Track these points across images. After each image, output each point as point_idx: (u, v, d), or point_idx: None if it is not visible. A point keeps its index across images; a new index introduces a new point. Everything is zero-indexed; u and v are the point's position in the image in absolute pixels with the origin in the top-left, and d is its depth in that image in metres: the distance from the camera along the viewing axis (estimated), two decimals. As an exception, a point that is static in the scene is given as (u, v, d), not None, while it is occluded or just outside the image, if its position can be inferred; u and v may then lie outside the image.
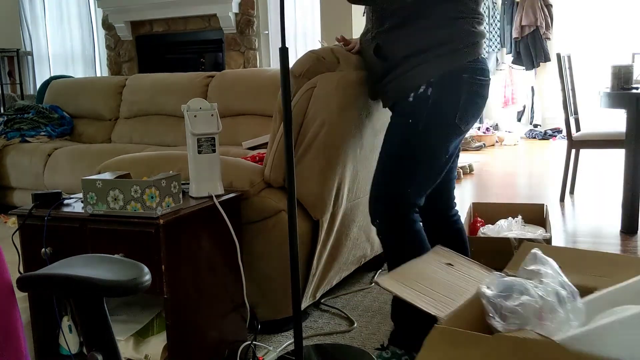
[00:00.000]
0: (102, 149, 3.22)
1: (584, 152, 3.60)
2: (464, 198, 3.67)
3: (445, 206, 1.72)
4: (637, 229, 2.71)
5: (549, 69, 6.63)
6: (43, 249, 1.43)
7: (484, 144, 6.12)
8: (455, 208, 1.77)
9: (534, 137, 6.66)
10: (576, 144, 3.46)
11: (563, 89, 3.45)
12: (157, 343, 1.50)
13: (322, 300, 1.97)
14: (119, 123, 3.65)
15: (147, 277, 0.92)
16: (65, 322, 1.52)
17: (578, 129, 3.60)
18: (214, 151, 1.53)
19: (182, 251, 1.43)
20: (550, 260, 1.16)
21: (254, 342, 1.65)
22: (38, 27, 5.98)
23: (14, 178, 3.44)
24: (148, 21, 5.12)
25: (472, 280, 1.37)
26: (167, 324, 1.42)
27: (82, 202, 1.44)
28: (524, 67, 6.74)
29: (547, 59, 6.58)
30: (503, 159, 5.53)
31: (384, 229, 1.56)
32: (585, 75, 5.82)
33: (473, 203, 2.64)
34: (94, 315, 0.95)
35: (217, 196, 1.53)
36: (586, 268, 1.31)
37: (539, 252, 1.19)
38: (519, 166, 5.19)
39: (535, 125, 6.90)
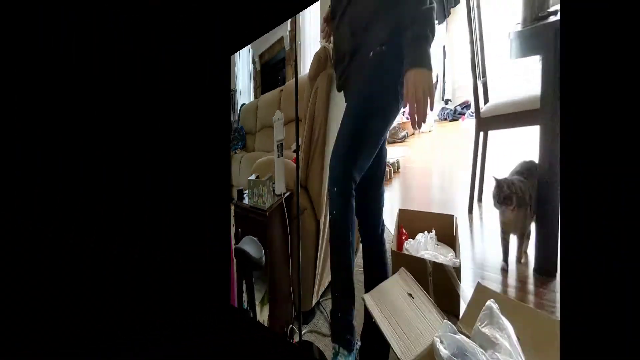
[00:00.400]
0: (251, 156, 3.65)
1: (494, 135, 1.64)
2: (393, 204, 2.14)
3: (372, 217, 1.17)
4: (556, 269, 0.98)
5: (461, 15, 2.46)
6: (237, 229, 1.62)
7: (407, 133, 3.74)
8: (382, 217, 1.25)
9: (445, 119, 3.17)
10: (484, 123, 1.61)
11: (472, 41, 1.67)
12: (267, 312, 1.49)
13: (321, 301, 1.62)
14: (257, 135, 4.09)
15: (264, 257, 0.94)
16: (242, 283, 1.53)
17: (486, 99, 1.75)
18: (282, 155, 1.49)
19: (273, 238, 1.42)
20: (507, 325, 0.78)
21: (292, 325, 1.52)
22: (236, 70, 7.35)
23: (233, 178, 4.54)
24: (262, 53, 5.93)
25: (427, 324, 1.06)
26: (270, 297, 1.42)
27: (247, 196, 1.58)
28: (437, 21, 3.32)
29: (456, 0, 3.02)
30: (421, 152, 2.80)
31: (336, 197, 1.21)
32: (501, 15, 1.67)
33: (400, 210, 1.78)
34: (248, 281, 0.98)
35: (283, 194, 1.44)
36: (548, 343, 0.78)
37: (495, 308, 0.81)
38: (431, 161, 2.76)
39: (447, 102, 3.14)
